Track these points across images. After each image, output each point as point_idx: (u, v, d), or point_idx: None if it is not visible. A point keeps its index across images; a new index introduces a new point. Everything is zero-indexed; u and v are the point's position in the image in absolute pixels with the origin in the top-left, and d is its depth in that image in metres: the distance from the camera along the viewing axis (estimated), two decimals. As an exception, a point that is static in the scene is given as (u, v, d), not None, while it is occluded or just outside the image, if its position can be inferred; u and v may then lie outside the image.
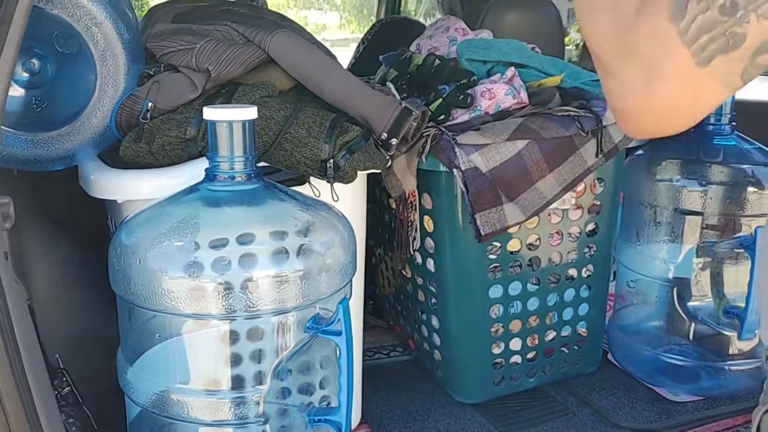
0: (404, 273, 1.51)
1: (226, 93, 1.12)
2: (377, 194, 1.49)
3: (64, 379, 1.17)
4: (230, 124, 0.85)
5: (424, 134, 1.22)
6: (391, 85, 1.36)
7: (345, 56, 1.99)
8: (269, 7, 1.94)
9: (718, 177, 1.39)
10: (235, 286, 0.84)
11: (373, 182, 1.32)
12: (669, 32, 0.50)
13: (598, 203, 1.42)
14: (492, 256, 1.35)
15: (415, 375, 1.56)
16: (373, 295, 1.75)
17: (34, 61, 1.10)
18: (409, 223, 1.35)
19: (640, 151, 1.50)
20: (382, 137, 1.13)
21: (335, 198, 1.08)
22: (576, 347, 1.51)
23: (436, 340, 1.46)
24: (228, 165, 0.86)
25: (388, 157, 1.15)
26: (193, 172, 0.98)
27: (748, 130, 1.46)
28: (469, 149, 1.23)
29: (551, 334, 1.47)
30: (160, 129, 1.07)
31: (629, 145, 1.37)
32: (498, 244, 1.35)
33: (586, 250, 1.44)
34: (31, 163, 1.12)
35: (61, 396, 1.16)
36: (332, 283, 0.90)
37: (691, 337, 1.45)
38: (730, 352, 1.43)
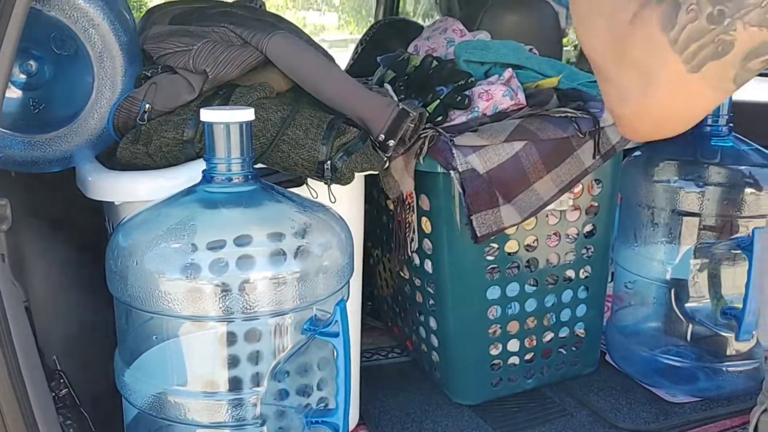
0: (402, 274, 1.51)
1: (223, 95, 1.12)
2: (375, 195, 1.49)
3: (62, 380, 1.17)
4: (227, 126, 0.85)
5: (422, 136, 1.22)
6: (388, 87, 1.36)
7: (343, 57, 1.99)
8: (267, 9, 1.94)
9: (715, 178, 1.39)
10: (233, 287, 0.84)
11: (370, 183, 1.32)
12: (661, 40, 0.52)
13: (596, 204, 1.42)
14: (490, 258, 1.35)
15: (413, 376, 1.56)
16: (371, 297, 1.75)
17: (32, 62, 1.10)
18: (407, 225, 1.35)
19: (637, 153, 1.50)
20: (380, 139, 1.13)
21: (332, 199, 1.08)
22: (574, 348, 1.51)
23: (434, 341, 1.46)
24: (225, 167, 0.86)
25: (385, 159, 1.15)
26: (191, 173, 0.98)
27: (746, 131, 1.46)
28: (467, 150, 1.23)
29: (549, 336, 1.47)
30: (158, 131, 1.07)
31: (626, 147, 1.37)
32: (496, 246, 1.35)
33: (584, 251, 1.44)
34: (29, 164, 1.12)
35: (58, 398, 1.16)
36: (329, 284, 0.90)
37: (688, 338, 1.45)
38: (728, 353, 1.43)
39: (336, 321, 0.87)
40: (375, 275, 1.70)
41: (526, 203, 1.29)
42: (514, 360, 1.45)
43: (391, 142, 1.13)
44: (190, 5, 1.41)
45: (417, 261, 1.42)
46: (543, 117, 1.30)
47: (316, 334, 0.88)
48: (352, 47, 1.99)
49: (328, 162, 1.07)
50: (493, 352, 1.42)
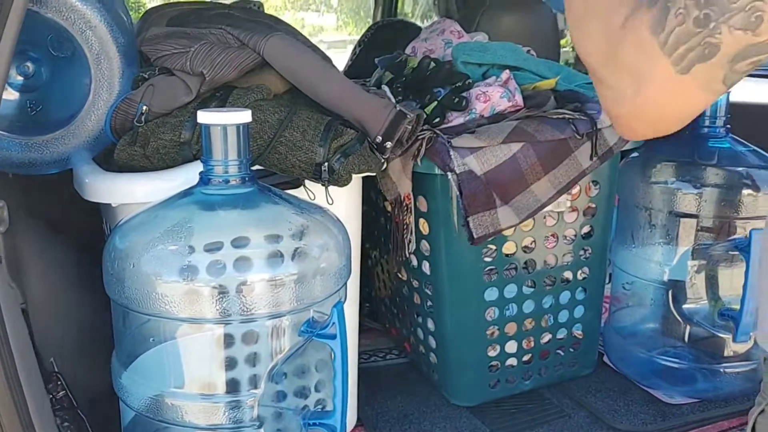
0: (400, 276, 1.51)
1: (220, 96, 1.12)
2: (373, 197, 1.49)
3: (59, 382, 1.16)
4: (224, 128, 0.85)
5: (419, 137, 1.22)
6: (386, 88, 1.36)
7: (342, 58, 2.00)
8: (266, 10, 1.94)
9: (712, 179, 1.39)
10: (230, 289, 0.84)
11: (368, 185, 1.32)
12: (651, 43, 0.54)
13: (593, 206, 1.42)
14: (487, 259, 1.35)
15: (411, 378, 1.56)
16: (369, 298, 1.75)
17: (29, 64, 1.10)
18: (405, 226, 1.35)
19: (635, 154, 1.50)
20: (377, 140, 1.13)
21: (330, 201, 1.08)
22: (571, 350, 1.51)
23: (432, 342, 1.46)
24: (222, 168, 0.86)
25: (383, 161, 1.15)
26: (188, 175, 0.98)
27: (743, 132, 1.46)
28: (464, 152, 1.23)
29: (547, 337, 1.47)
30: (155, 132, 1.07)
31: (624, 148, 1.37)
32: (493, 247, 1.35)
33: (582, 252, 1.45)
34: (26, 166, 1.11)
35: (55, 400, 1.16)
36: (327, 286, 0.90)
37: (686, 339, 1.45)
38: (725, 354, 1.43)
39: (333, 323, 0.87)
40: (373, 277, 1.70)
41: (524, 205, 1.29)
42: (512, 361, 1.45)
43: (389, 144, 1.13)
44: (188, 7, 1.41)
45: (415, 262, 1.42)
46: (540, 118, 1.30)
47: (313, 336, 0.88)
48: (350, 48, 1.99)
49: (326, 164, 1.07)
50: (491, 353, 1.42)
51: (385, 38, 1.91)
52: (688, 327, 1.44)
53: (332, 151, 1.08)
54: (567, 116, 1.31)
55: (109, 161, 1.11)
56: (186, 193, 0.90)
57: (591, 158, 1.32)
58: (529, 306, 1.42)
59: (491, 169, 1.24)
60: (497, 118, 1.31)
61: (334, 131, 1.09)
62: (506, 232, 1.31)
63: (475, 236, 1.25)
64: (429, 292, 1.41)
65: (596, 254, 1.46)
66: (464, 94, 1.32)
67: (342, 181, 1.09)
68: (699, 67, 0.53)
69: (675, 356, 1.46)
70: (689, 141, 1.45)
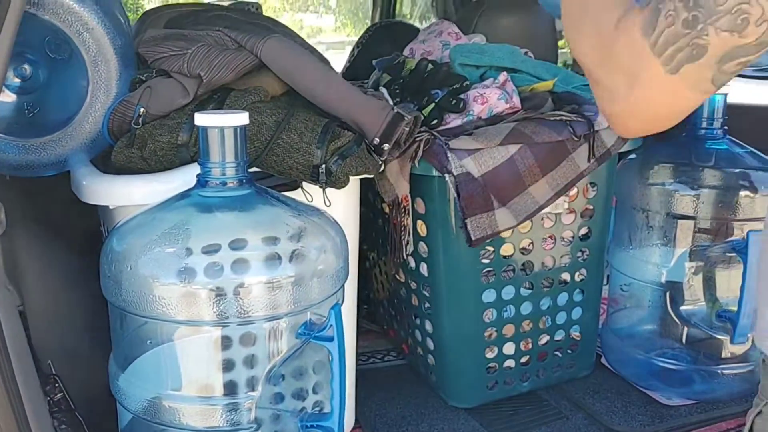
0: (398, 277, 1.51)
1: (218, 98, 1.12)
2: (371, 198, 1.49)
3: (57, 385, 1.16)
4: (221, 130, 0.85)
5: (417, 139, 1.22)
6: (384, 90, 1.36)
7: (340, 59, 2.00)
8: (264, 11, 1.94)
9: (710, 181, 1.40)
10: (228, 291, 0.83)
11: (366, 186, 1.32)
12: (642, 44, 0.56)
13: (591, 207, 1.43)
14: (485, 261, 1.35)
15: (409, 379, 1.56)
16: (367, 300, 1.75)
17: (26, 66, 1.10)
18: (402, 228, 1.35)
19: (632, 156, 1.50)
20: (375, 142, 1.13)
21: (327, 203, 1.08)
22: (569, 351, 1.51)
23: (430, 344, 1.46)
24: (219, 171, 0.86)
25: (380, 162, 1.15)
26: (185, 177, 0.98)
27: (740, 134, 1.46)
28: (462, 154, 1.23)
29: (544, 338, 1.47)
30: (152, 134, 1.06)
31: (621, 150, 1.37)
32: (491, 249, 1.35)
33: (579, 254, 1.45)
34: (23, 168, 1.11)
35: (53, 402, 1.16)
36: (324, 288, 0.90)
37: (683, 340, 1.45)
38: (723, 355, 1.43)
39: (331, 325, 0.87)
40: (371, 278, 1.70)
41: (522, 207, 1.29)
42: (510, 363, 1.45)
43: (386, 146, 1.13)
44: (186, 9, 1.41)
45: (412, 264, 1.42)
46: (538, 120, 1.30)
47: (310, 338, 0.88)
48: (349, 49, 1.99)
49: (323, 166, 1.07)
50: (489, 355, 1.42)
51: (383, 40, 1.91)
52: (685, 328, 1.44)
53: (330, 153, 1.08)
54: (564, 118, 1.31)
55: (107, 163, 1.11)
56: (183, 195, 0.90)
57: (588, 160, 1.32)
58: (526, 308, 1.42)
59: (489, 170, 1.24)
60: (495, 119, 1.31)
61: (331, 133, 1.09)
62: (504, 234, 1.31)
63: (473, 238, 1.25)
64: (427, 294, 1.41)
65: (594, 256, 1.46)
66: (462, 96, 1.32)
67: (339, 183, 1.09)
68: (688, 67, 0.55)
69: (673, 358, 1.46)
70: (687, 143, 1.45)
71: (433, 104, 1.31)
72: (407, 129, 1.16)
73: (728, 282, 1.39)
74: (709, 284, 1.41)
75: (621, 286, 1.55)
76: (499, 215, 1.26)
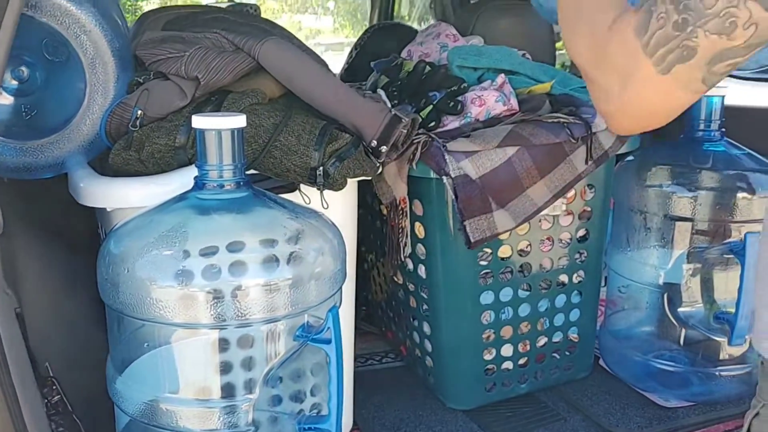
0: (396, 279, 1.51)
1: (215, 101, 1.12)
2: (369, 200, 1.49)
3: (54, 387, 1.16)
4: (219, 133, 0.85)
5: (415, 141, 1.23)
6: (382, 92, 1.36)
7: (339, 60, 2.00)
8: (263, 12, 1.94)
9: (707, 183, 1.40)
10: (225, 294, 0.83)
11: (365, 188, 1.32)
12: (635, 45, 0.58)
13: (589, 209, 1.43)
14: (483, 263, 1.35)
15: (407, 381, 1.56)
16: (365, 301, 1.75)
17: (23, 68, 1.09)
18: (400, 230, 1.35)
19: (630, 157, 1.50)
20: (372, 144, 1.13)
21: (325, 205, 1.08)
22: (567, 353, 1.51)
23: (428, 346, 1.46)
24: (217, 173, 0.86)
25: (378, 165, 1.15)
26: (183, 180, 0.98)
27: (738, 135, 1.46)
28: (459, 156, 1.23)
29: (543, 340, 1.47)
30: (150, 137, 1.06)
31: (619, 151, 1.37)
32: (489, 251, 1.35)
33: (577, 256, 1.45)
34: (21, 171, 1.11)
35: (50, 404, 1.16)
36: (322, 291, 0.90)
37: (681, 342, 1.45)
38: (721, 357, 1.43)
39: (328, 328, 0.87)
40: (369, 280, 1.70)
41: (521, 209, 1.29)
42: (508, 365, 1.45)
43: (384, 148, 1.13)
44: (184, 11, 1.41)
45: (410, 266, 1.42)
46: (535, 122, 1.30)
47: (308, 340, 0.88)
48: (347, 50, 1.99)
49: (321, 168, 1.07)
50: (487, 356, 1.42)
51: (381, 42, 1.91)
52: (683, 330, 1.44)
53: (327, 156, 1.08)
54: (562, 120, 1.31)
55: (105, 166, 1.11)
56: (181, 197, 0.90)
57: (586, 162, 1.32)
58: (524, 309, 1.42)
59: (486, 173, 1.25)
60: (492, 122, 1.32)
61: (329, 135, 1.09)
62: (502, 236, 1.31)
63: (472, 240, 1.25)
64: (425, 296, 1.41)
65: (592, 257, 1.46)
66: (459, 98, 1.32)
67: (337, 186, 1.09)
68: (678, 67, 0.57)
69: (670, 359, 1.46)
70: (684, 144, 1.45)
71: (431, 106, 1.31)
72: (405, 131, 1.16)
73: (726, 284, 1.39)
74: (707, 286, 1.41)
75: (619, 287, 1.55)
76: (497, 217, 1.27)
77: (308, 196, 1.11)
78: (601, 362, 1.60)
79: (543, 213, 1.33)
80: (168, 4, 1.58)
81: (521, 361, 1.46)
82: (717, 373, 1.43)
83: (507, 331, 1.42)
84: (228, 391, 0.91)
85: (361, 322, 1.68)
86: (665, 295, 1.44)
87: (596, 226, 1.44)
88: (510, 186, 1.27)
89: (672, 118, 0.63)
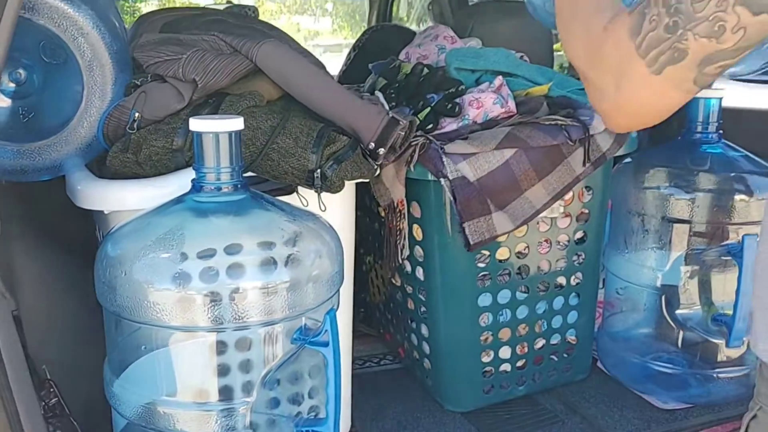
0: (394, 281, 1.51)
1: (213, 103, 1.12)
2: (367, 202, 1.49)
3: (51, 390, 1.16)
4: (216, 135, 0.85)
5: (412, 143, 1.23)
6: (379, 94, 1.36)
7: (337, 62, 2.00)
8: (262, 14, 1.94)
9: (705, 185, 1.40)
10: (223, 296, 0.83)
11: (363, 190, 1.32)
12: (629, 46, 0.60)
13: (587, 211, 1.43)
14: (481, 265, 1.35)
15: (405, 383, 1.55)
16: (363, 303, 1.75)
17: (21, 71, 1.09)
18: (398, 232, 1.35)
19: (627, 159, 1.50)
20: (370, 147, 1.13)
21: (322, 208, 1.08)
22: (565, 355, 1.51)
23: (426, 348, 1.46)
24: (214, 176, 0.86)
25: (375, 167, 1.15)
26: (180, 182, 0.98)
27: (735, 137, 1.46)
28: (457, 158, 1.23)
29: (540, 342, 1.47)
30: (147, 139, 1.06)
31: (617, 154, 1.37)
32: (487, 253, 1.35)
33: (575, 258, 1.45)
34: (18, 173, 1.11)
35: (48, 407, 1.15)
36: (320, 293, 0.90)
37: (679, 344, 1.45)
38: (719, 359, 1.43)
39: (326, 330, 0.87)
40: (367, 282, 1.70)
41: (519, 211, 1.29)
42: (506, 367, 1.45)
43: (382, 150, 1.13)
44: (181, 13, 1.41)
45: (408, 268, 1.42)
46: (533, 125, 1.30)
47: (305, 343, 0.88)
48: (346, 52, 2.00)
49: (318, 170, 1.07)
50: (485, 359, 1.42)
51: (379, 43, 1.91)
52: (681, 332, 1.44)
53: (325, 158, 1.08)
54: (560, 122, 1.31)
55: (102, 168, 1.11)
56: (178, 200, 0.90)
57: (584, 164, 1.33)
58: (522, 311, 1.42)
59: (484, 175, 1.25)
60: (490, 124, 1.32)
61: (326, 138, 1.09)
62: (500, 238, 1.31)
63: (471, 242, 1.25)
64: (423, 298, 1.41)
65: (589, 259, 1.46)
66: (457, 100, 1.32)
67: (335, 188, 1.09)
68: (670, 68, 0.59)
69: (668, 361, 1.46)
70: (682, 146, 1.45)
71: (429, 108, 1.31)
72: (403, 133, 1.16)
73: (724, 286, 1.39)
74: (705, 288, 1.41)
75: (617, 289, 1.55)
76: (496, 219, 1.27)
77: (306, 198, 1.10)
78: (599, 364, 1.60)
79: (541, 215, 1.33)
80: (166, 6, 1.58)
81: (519, 363, 1.46)
82: (715, 375, 1.43)
83: (505, 333, 1.42)
84: (226, 393, 0.91)
85: (359, 324, 1.67)
86: (663, 297, 1.44)
87: (594, 228, 1.45)
88: (508, 188, 1.27)
89: (667, 116, 0.65)
